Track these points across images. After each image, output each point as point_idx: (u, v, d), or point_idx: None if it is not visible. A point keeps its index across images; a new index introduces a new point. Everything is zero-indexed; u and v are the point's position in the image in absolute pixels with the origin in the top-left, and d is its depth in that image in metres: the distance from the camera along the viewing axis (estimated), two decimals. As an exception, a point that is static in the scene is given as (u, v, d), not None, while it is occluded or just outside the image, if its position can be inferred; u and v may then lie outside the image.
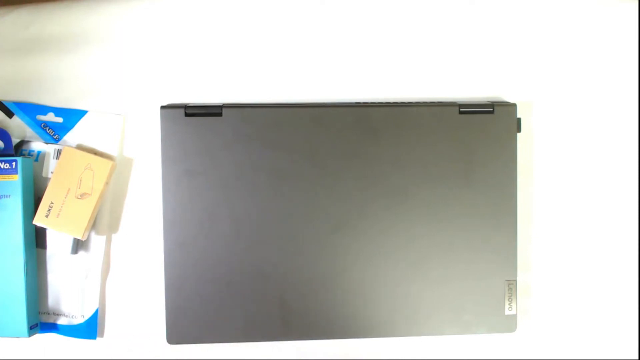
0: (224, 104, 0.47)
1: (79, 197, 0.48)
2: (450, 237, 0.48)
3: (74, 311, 0.50)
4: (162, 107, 0.47)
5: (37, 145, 0.50)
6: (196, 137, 0.47)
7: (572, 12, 0.50)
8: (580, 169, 0.51)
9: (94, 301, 0.50)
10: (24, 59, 0.50)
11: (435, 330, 0.48)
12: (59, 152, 0.49)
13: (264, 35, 0.50)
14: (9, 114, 0.50)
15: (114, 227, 0.50)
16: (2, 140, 0.49)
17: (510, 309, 0.48)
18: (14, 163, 0.47)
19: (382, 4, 0.50)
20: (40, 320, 0.50)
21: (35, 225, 0.48)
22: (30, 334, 0.48)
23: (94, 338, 0.50)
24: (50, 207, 0.47)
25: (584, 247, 0.51)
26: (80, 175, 0.48)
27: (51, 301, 0.50)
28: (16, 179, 0.47)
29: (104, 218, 0.50)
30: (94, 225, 0.49)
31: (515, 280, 0.48)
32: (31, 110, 0.50)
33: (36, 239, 0.49)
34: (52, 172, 0.49)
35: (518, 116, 0.48)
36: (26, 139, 0.50)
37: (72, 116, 0.50)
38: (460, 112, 0.48)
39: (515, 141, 0.48)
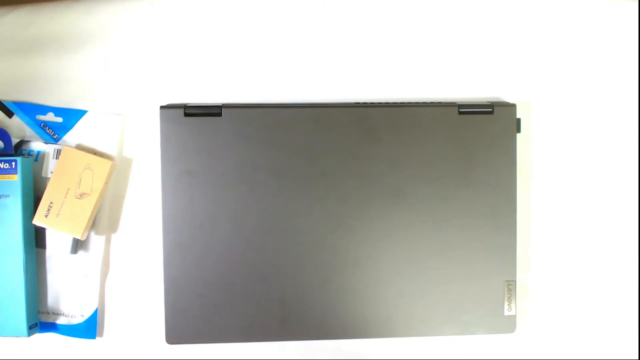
0: (223, 104, 0.47)
1: (79, 197, 0.48)
2: (450, 238, 0.48)
3: (73, 311, 0.50)
4: (162, 107, 0.47)
5: (36, 145, 0.50)
6: (196, 137, 0.47)
7: (571, 12, 0.50)
8: (580, 169, 0.51)
9: (94, 301, 0.50)
10: (24, 59, 0.50)
11: (435, 330, 0.48)
12: (58, 152, 0.49)
13: (264, 35, 0.50)
14: (9, 114, 0.50)
15: (113, 227, 0.50)
16: (2, 140, 0.49)
17: (509, 309, 0.48)
18: (13, 163, 0.47)
19: (382, 4, 0.50)
20: (40, 319, 0.50)
21: (35, 225, 0.48)
22: (29, 334, 0.48)
23: (94, 338, 0.50)
24: (49, 207, 0.47)
25: (583, 247, 0.51)
26: (80, 175, 0.48)
27: (51, 301, 0.50)
28: (16, 178, 0.47)
29: (103, 218, 0.50)
30: (93, 225, 0.49)
31: (515, 281, 0.48)
32: (31, 110, 0.50)
33: (36, 239, 0.49)
34: (51, 172, 0.49)
35: (518, 116, 0.48)
36: (26, 139, 0.50)
37: (72, 116, 0.50)
38: (460, 113, 0.48)
39: (515, 141, 0.48)
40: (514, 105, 0.48)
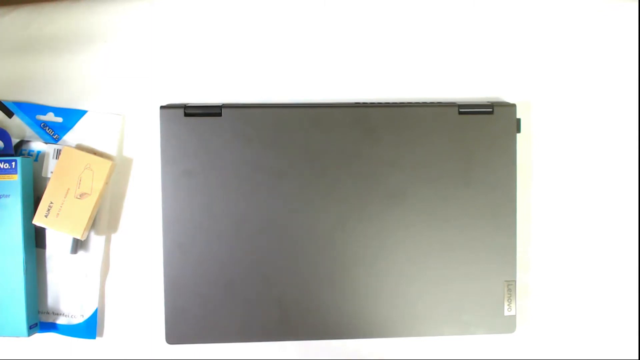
0: (223, 104, 0.47)
1: (79, 197, 0.48)
2: (450, 238, 0.48)
3: (73, 311, 0.50)
4: (162, 107, 0.47)
5: (36, 145, 0.50)
6: (196, 137, 0.47)
7: (571, 12, 0.50)
8: (580, 169, 0.51)
9: (94, 301, 0.50)
10: (24, 59, 0.50)
11: (435, 330, 0.48)
12: (58, 152, 0.49)
13: (264, 35, 0.50)
14: (9, 114, 0.50)
15: (113, 227, 0.50)
16: (2, 140, 0.49)
17: (509, 309, 0.48)
18: (13, 163, 0.47)
19: (382, 4, 0.50)
20: (40, 319, 0.50)
21: (35, 225, 0.48)
22: (29, 334, 0.48)
23: (94, 338, 0.50)
24: (49, 207, 0.47)
25: (583, 247, 0.51)
26: (80, 175, 0.48)
27: (50, 301, 0.50)
28: (16, 178, 0.47)
29: (103, 218, 0.50)
30: (93, 225, 0.49)
31: (515, 281, 0.48)
32: (31, 110, 0.50)
33: (36, 239, 0.49)
34: (51, 172, 0.49)
35: (518, 116, 0.48)
36: (26, 139, 0.50)
37: (72, 116, 0.50)
38: (460, 113, 0.48)
39: (515, 141, 0.48)
40: (514, 105, 0.48)
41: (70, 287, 0.50)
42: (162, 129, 0.47)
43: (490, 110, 0.48)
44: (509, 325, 0.48)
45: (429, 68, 0.50)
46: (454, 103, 0.48)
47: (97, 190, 0.48)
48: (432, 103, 0.48)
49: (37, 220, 0.47)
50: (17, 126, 0.50)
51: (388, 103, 0.48)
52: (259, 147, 0.47)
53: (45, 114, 0.50)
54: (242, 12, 0.50)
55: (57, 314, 0.50)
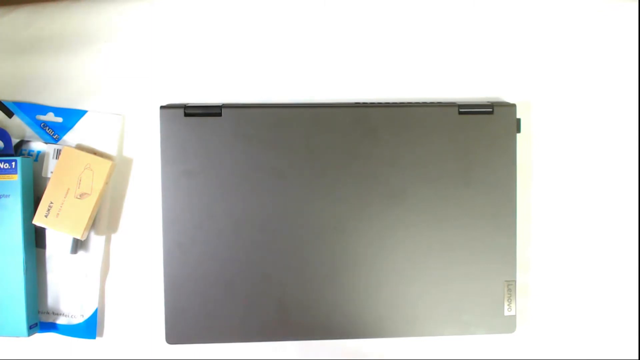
0: (223, 104, 0.47)
1: (79, 197, 0.48)
2: (450, 238, 0.48)
3: (73, 311, 0.50)
4: (162, 107, 0.47)
5: (36, 145, 0.50)
6: (195, 137, 0.47)
7: (571, 12, 0.50)
8: (580, 169, 0.51)
9: (94, 301, 0.50)
10: (24, 59, 0.50)
11: (435, 330, 0.48)
12: (58, 152, 0.49)
13: (264, 35, 0.50)
14: (9, 114, 0.50)
15: (113, 227, 0.50)
16: (2, 140, 0.49)
17: (509, 309, 0.48)
18: (13, 163, 0.47)
19: (382, 4, 0.50)
20: (40, 319, 0.50)
21: (35, 225, 0.48)
22: (29, 334, 0.48)
23: (94, 338, 0.50)
24: (49, 207, 0.47)
25: (583, 248, 0.51)
26: (80, 175, 0.48)
27: (50, 301, 0.50)
28: (16, 178, 0.47)
29: (103, 218, 0.50)
30: (93, 225, 0.49)
31: (515, 281, 0.48)
32: (31, 110, 0.50)
33: (36, 239, 0.49)
34: (51, 172, 0.49)
35: (518, 116, 0.48)
36: (26, 139, 0.50)
37: (72, 116, 0.50)
38: (460, 113, 0.48)
39: (515, 141, 0.48)
40: (514, 105, 0.48)
41: (70, 287, 0.50)
42: (162, 129, 0.47)
43: (490, 110, 0.48)
44: (509, 325, 0.49)
45: (429, 68, 0.50)
46: (454, 103, 0.48)
47: (97, 190, 0.48)
48: (432, 103, 0.48)
49: (37, 220, 0.47)
50: (17, 126, 0.50)
51: (388, 103, 0.48)
52: (259, 147, 0.47)
53: (45, 114, 0.50)
54: (241, 12, 0.50)
55: (57, 314, 0.50)
